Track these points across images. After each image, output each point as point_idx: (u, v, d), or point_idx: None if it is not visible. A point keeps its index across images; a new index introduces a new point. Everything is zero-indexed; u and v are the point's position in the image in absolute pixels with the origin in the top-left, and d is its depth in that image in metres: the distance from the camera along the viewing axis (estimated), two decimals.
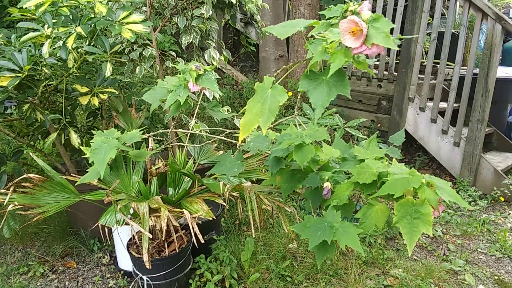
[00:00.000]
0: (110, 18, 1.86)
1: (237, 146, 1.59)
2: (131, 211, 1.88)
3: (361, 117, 4.58)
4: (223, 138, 1.65)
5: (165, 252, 2.11)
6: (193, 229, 1.58)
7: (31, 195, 1.89)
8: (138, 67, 2.34)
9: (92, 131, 2.53)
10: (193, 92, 2.65)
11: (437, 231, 3.01)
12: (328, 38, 0.90)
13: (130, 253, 2.10)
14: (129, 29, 1.88)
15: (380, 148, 1.54)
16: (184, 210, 1.64)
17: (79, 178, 1.55)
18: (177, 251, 2.11)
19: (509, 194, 3.55)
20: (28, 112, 2.09)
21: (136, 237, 2.24)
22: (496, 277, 2.50)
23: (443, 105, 4.15)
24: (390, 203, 1.47)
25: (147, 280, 2.08)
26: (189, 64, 1.35)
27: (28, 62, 1.85)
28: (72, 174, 1.79)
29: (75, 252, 2.67)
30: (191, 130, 2.23)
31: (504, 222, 3.21)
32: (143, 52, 2.41)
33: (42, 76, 2.23)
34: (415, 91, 4.17)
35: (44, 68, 2.19)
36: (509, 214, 3.34)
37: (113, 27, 1.82)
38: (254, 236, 2.36)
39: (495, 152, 4.52)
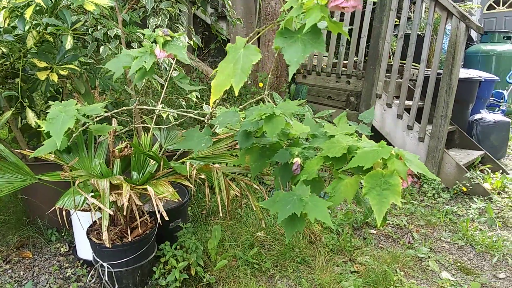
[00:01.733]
0: None
1: (205, 121, 1.54)
2: (91, 196, 1.79)
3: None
4: (193, 115, 1.59)
5: (128, 238, 2.02)
6: (157, 206, 1.51)
7: None
8: (102, 47, 2.23)
9: None
10: (160, 75, 2.57)
11: (402, 221, 3.06)
12: None
13: (90, 239, 2.00)
14: (92, 2, 1.79)
15: (350, 125, 1.53)
16: (147, 186, 1.57)
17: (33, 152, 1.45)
18: (140, 237, 2.02)
19: (471, 187, 3.67)
20: None
21: (97, 222, 2.14)
22: (459, 264, 2.56)
23: (408, 103, 4.24)
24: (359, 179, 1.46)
25: (107, 267, 1.98)
26: (156, 30, 1.29)
27: None
28: (27, 150, 1.67)
29: (31, 243, 2.52)
30: (158, 112, 2.16)
31: (466, 214, 3.30)
32: (108, 32, 2.31)
33: None
34: (382, 88, 4.25)
35: (1, 47, 2.06)
36: (471, 206, 3.44)
37: None
38: (221, 215, 2.31)
39: (457, 149, 4.67)
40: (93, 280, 2.17)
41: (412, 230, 2.96)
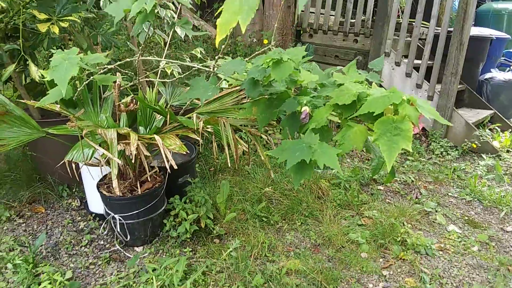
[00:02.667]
0: None
1: (211, 70, 1.51)
2: (99, 148, 1.79)
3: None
4: (198, 66, 1.56)
5: (138, 191, 2.04)
6: (165, 156, 1.51)
7: None
8: (102, 0, 2.17)
9: None
10: (163, 31, 2.51)
11: (409, 177, 3.06)
12: None
13: (100, 192, 2.02)
14: None
15: (360, 74, 1.49)
16: (155, 136, 1.56)
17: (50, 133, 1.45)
18: (150, 190, 2.05)
19: (479, 145, 3.64)
20: None
21: (107, 177, 2.16)
22: (466, 218, 2.57)
23: (417, 61, 4.14)
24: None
25: (119, 219, 2.02)
26: None
27: None
28: (32, 101, 1.65)
29: (43, 198, 2.57)
30: (163, 66, 2.12)
31: (474, 170, 3.29)
32: None
33: None
34: (391, 46, 4.14)
35: (0, 2, 2.01)
36: (479, 163, 3.43)
37: None
38: (232, 173, 2.32)
39: (467, 108, 4.60)
40: (105, 232, 2.22)
41: (420, 186, 2.97)
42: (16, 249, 2.06)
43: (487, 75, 5.07)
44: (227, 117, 2.02)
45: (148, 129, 2.10)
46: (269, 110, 1.52)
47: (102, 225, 2.23)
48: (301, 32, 4.86)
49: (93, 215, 2.33)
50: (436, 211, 2.61)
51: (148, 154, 1.56)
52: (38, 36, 2.19)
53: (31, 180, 2.63)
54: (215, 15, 5.85)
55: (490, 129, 4.25)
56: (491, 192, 2.86)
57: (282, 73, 1.24)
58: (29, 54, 2.26)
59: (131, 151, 1.46)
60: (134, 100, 2.09)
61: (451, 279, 1.99)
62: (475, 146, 3.62)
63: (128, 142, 1.54)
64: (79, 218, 2.37)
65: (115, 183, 1.54)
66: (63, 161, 1.83)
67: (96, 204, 2.30)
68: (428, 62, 3.95)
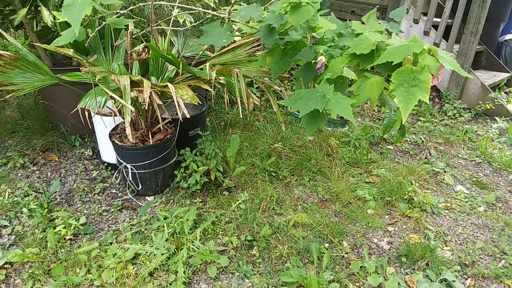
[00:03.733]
0: None
1: (227, 15, 1.47)
2: (112, 93, 1.79)
3: None
4: (212, 12, 1.52)
5: (150, 141, 2.06)
6: (177, 103, 1.51)
7: (3, 73, 1.77)
8: None
9: None
10: None
11: (420, 138, 3.04)
12: None
13: (113, 142, 2.05)
14: None
15: (379, 23, 1.45)
16: (168, 84, 1.56)
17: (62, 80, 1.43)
18: (161, 141, 2.06)
19: (493, 108, 3.58)
20: None
21: (119, 127, 2.18)
22: (474, 179, 2.58)
23: (436, 19, 4.00)
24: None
25: (131, 169, 2.06)
26: None
27: None
28: (45, 45, 1.63)
29: (56, 147, 2.61)
30: (175, 14, 2.08)
31: (486, 133, 3.26)
32: None
33: None
34: (410, 2, 3.98)
35: None
36: (491, 126, 3.39)
37: None
38: (242, 128, 2.32)
39: (483, 70, 4.49)
40: (117, 181, 2.26)
41: (430, 147, 2.95)
42: (31, 194, 2.12)
43: (507, 37, 4.89)
44: (240, 69, 1.99)
45: (160, 79, 2.09)
46: (283, 60, 1.49)
47: (114, 175, 2.27)
48: None
49: (105, 164, 2.37)
50: (445, 172, 2.61)
51: (160, 103, 1.55)
52: None
53: (44, 129, 2.66)
54: None
55: (505, 92, 4.16)
56: (501, 155, 2.84)
57: (300, 17, 1.20)
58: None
59: (144, 98, 1.46)
60: (146, 49, 2.06)
61: (455, 237, 2.02)
62: (488, 107, 3.56)
63: (141, 90, 1.53)
64: (92, 167, 2.41)
65: (128, 130, 1.55)
66: (75, 109, 1.83)
67: (108, 154, 2.33)
68: (448, 21, 3.81)
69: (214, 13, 1.55)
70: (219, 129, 2.81)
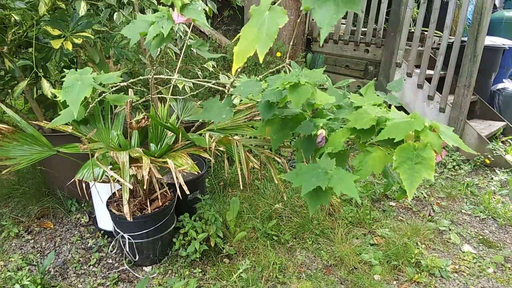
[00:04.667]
0: None
1: (226, 91, 1.48)
2: (110, 169, 1.77)
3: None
4: (211, 85, 1.53)
5: (148, 210, 2.01)
6: (177, 179, 1.48)
7: (0, 147, 1.75)
8: (115, 14, 2.16)
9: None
10: (175, 44, 2.49)
11: (422, 193, 3.01)
12: None
13: (110, 210, 2.00)
14: None
15: (378, 95, 1.46)
16: (167, 159, 1.54)
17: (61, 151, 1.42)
18: (160, 209, 2.02)
19: (492, 159, 3.57)
20: None
21: (117, 194, 2.14)
22: (480, 237, 2.51)
23: (429, 72, 4.09)
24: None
25: (128, 239, 1.99)
26: None
27: None
28: (44, 122, 1.64)
29: (51, 213, 2.55)
30: (174, 82, 2.10)
31: (487, 186, 3.23)
32: None
33: (12, 23, 2.05)
34: (402, 57, 4.10)
35: (13, 14, 2.00)
36: (492, 178, 3.36)
37: None
38: (241, 189, 2.29)
39: (478, 120, 4.53)
40: (114, 251, 2.18)
41: (432, 203, 2.91)
42: (24, 268, 2.04)
43: (499, 86, 5.00)
44: (240, 135, 1.99)
45: (159, 145, 2.07)
46: (283, 131, 1.48)
47: (111, 244, 2.20)
48: (311, 41, 4.83)
49: (102, 232, 2.30)
50: (450, 230, 2.55)
51: (159, 176, 1.53)
52: (50, 50, 2.18)
53: (40, 194, 2.62)
54: (228, 28, 5.80)
55: (502, 142, 4.18)
56: (505, 210, 2.79)
57: (301, 97, 1.20)
58: (41, 67, 2.25)
59: (143, 175, 1.43)
60: (146, 116, 2.07)
61: None
62: (488, 161, 3.55)
63: (140, 166, 1.51)
64: (88, 234, 2.34)
65: (126, 208, 1.52)
66: (73, 179, 1.80)
67: (105, 221, 2.27)
68: (441, 72, 3.90)
69: (213, 86, 1.56)
70: (218, 190, 2.77)
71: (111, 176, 1.71)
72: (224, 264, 2.12)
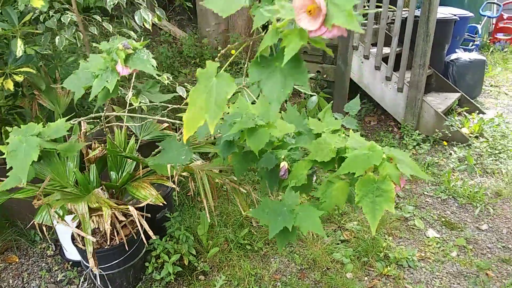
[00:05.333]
0: None
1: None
2: (72, 228, 1.70)
3: (307, 69, 4.50)
4: (167, 120, 1.48)
5: (115, 239, 1.97)
6: (141, 226, 1.44)
7: None
8: (57, 37, 2.03)
9: (14, 114, 2.23)
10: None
11: None
12: (280, 15, 0.76)
13: (76, 246, 1.94)
14: None
15: (336, 118, 1.46)
16: (129, 207, 1.49)
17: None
18: (128, 237, 1.98)
19: (450, 135, 3.71)
20: None
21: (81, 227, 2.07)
22: (443, 219, 2.63)
23: (386, 50, 4.14)
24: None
25: (99, 272, 1.95)
26: (115, 41, 1.14)
27: None
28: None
29: (15, 245, 2.45)
30: (129, 106, 2.02)
31: (446, 163, 3.36)
32: (62, 18, 2.08)
33: None
34: (359, 39, 4.11)
35: None
36: (450, 154, 3.51)
37: None
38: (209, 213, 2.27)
39: (435, 93, 4.67)
40: (85, 284, 2.14)
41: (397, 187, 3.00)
42: None
43: (453, 56, 5.14)
44: (201, 153, 1.95)
45: (120, 172, 2.01)
46: (245, 163, 1.47)
47: (83, 277, 2.15)
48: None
49: (70, 263, 2.24)
50: (414, 215, 2.66)
51: (123, 219, 1.49)
52: None
53: (1, 227, 2.50)
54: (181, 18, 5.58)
55: (459, 113, 4.34)
56: (465, 188, 2.93)
57: (259, 141, 1.18)
58: None
59: (105, 228, 1.39)
60: (103, 144, 1.99)
61: None
62: (446, 143, 3.68)
63: (102, 214, 1.46)
64: (56, 267, 2.27)
65: (91, 262, 1.47)
66: (32, 222, 1.73)
67: (71, 252, 2.21)
68: (397, 49, 3.95)
69: (169, 120, 1.51)
70: (187, 201, 2.74)
71: (73, 217, 1.66)
72: (200, 281, 2.13)
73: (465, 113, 4.31)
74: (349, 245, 2.36)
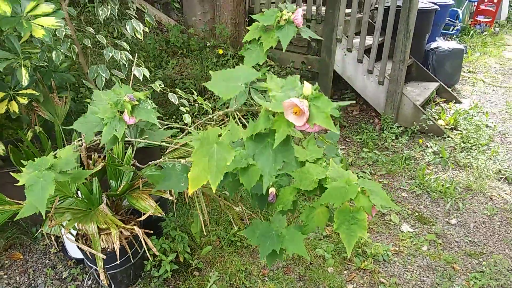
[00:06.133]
0: (15, 14, 1.63)
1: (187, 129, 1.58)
2: (82, 246, 1.85)
3: (291, 60, 4.61)
4: (165, 144, 1.63)
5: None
6: (146, 244, 1.62)
7: None
8: (54, 52, 2.12)
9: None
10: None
11: (365, 172, 3.32)
12: (271, 108, 0.90)
13: (80, 249, 2.10)
14: (39, 25, 1.68)
15: (319, 146, 1.62)
16: (135, 227, 1.66)
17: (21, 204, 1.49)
18: (129, 240, 2.15)
19: (427, 128, 3.93)
20: None
21: None
22: (416, 214, 2.88)
23: (369, 42, 4.27)
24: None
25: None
26: (120, 92, 1.27)
27: None
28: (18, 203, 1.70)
29: (18, 242, 2.61)
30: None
31: (422, 156, 3.59)
32: (56, 32, 2.16)
33: None
34: (342, 32, 4.23)
35: None
36: (427, 146, 3.73)
37: (21, 25, 1.60)
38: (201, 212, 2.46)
39: (415, 82, 4.86)
40: (89, 282, 2.32)
41: (375, 181, 3.22)
42: None
43: (433, 45, 5.31)
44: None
45: (119, 181, 2.16)
46: (237, 185, 1.63)
47: (88, 276, 2.33)
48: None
49: (73, 260, 2.42)
50: (391, 210, 2.90)
51: (128, 234, 1.65)
52: None
53: (3, 224, 2.63)
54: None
55: (437, 104, 4.56)
56: (438, 182, 3.16)
57: (251, 179, 1.34)
58: None
59: (113, 246, 1.55)
60: (103, 155, 2.13)
61: (406, 285, 2.30)
62: (421, 141, 3.89)
63: (110, 233, 1.62)
64: (60, 264, 2.44)
65: (102, 276, 1.64)
66: (40, 230, 1.88)
67: (75, 249, 2.37)
68: (381, 38, 4.08)
69: (165, 144, 1.65)
70: (180, 198, 2.91)
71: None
72: (195, 277, 2.33)
73: (442, 104, 4.52)
74: (330, 241, 2.58)
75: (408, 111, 4.08)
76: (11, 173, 1.46)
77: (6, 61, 1.65)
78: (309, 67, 4.51)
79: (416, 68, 4.96)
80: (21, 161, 1.53)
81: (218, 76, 1.04)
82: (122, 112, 1.27)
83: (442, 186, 3.12)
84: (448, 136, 3.85)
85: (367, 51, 4.22)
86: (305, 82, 0.86)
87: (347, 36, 4.20)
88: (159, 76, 3.70)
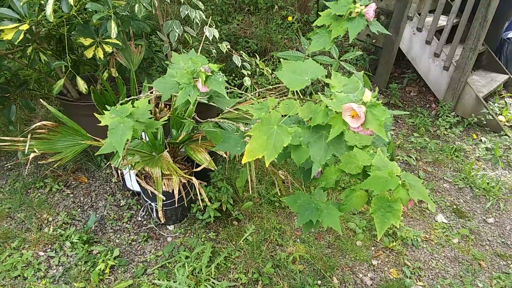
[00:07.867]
0: None
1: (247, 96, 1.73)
2: (147, 186, 2.09)
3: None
4: (231, 111, 1.79)
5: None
6: (200, 194, 1.83)
7: (47, 140, 2.07)
8: (136, 5, 2.28)
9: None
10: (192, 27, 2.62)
11: (411, 157, 3.35)
12: (330, 106, 1.00)
13: (140, 185, 2.38)
14: None
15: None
16: (193, 178, 1.86)
17: (99, 141, 1.73)
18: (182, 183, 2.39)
19: (485, 122, 3.83)
20: (32, 54, 2.11)
21: None
22: (454, 207, 2.92)
23: (442, 22, 4.10)
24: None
25: (155, 207, 2.41)
26: (197, 61, 1.42)
27: (29, 15, 1.82)
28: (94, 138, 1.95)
29: (84, 167, 2.95)
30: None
31: (473, 150, 3.54)
32: None
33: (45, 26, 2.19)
34: (415, 10, 4.08)
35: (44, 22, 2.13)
36: (480, 141, 3.66)
37: None
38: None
39: (482, 71, 4.65)
40: (143, 213, 2.62)
41: (420, 168, 3.27)
42: (70, 224, 2.49)
43: (510, 34, 4.98)
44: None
45: (179, 130, 2.37)
46: (286, 155, 1.77)
47: (141, 210, 2.62)
48: None
49: (130, 191, 2.72)
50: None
51: (185, 181, 1.87)
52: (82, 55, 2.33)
53: None
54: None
55: (502, 97, 4.37)
56: (483, 180, 3.15)
57: (301, 157, 1.47)
58: (76, 68, 2.44)
59: (174, 190, 1.77)
60: (168, 106, 2.33)
61: (429, 271, 2.41)
62: (475, 136, 3.79)
63: (171, 179, 1.84)
64: (119, 193, 2.76)
65: (160, 213, 1.89)
66: (108, 163, 2.14)
67: (133, 182, 2.67)
68: (455, 20, 3.91)
69: (231, 111, 1.81)
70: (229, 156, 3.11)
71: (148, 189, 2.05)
72: (234, 226, 2.57)
73: (507, 98, 4.33)
74: (364, 217, 2.71)
75: (468, 101, 3.96)
76: (95, 114, 1.68)
77: (99, 13, 1.83)
78: (373, 41, 4.42)
79: (488, 57, 4.71)
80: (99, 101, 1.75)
81: (288, 66, 1.15)
82: (196, 80, 1.42)
83: (487, 184, 3.10)
84: (506, 134, 3.73)
85: (438, 32, 4.07)
86: (366, 90, 0.96)
87: (419, 15, 4.05)
88: (224, 32, 3.81)
